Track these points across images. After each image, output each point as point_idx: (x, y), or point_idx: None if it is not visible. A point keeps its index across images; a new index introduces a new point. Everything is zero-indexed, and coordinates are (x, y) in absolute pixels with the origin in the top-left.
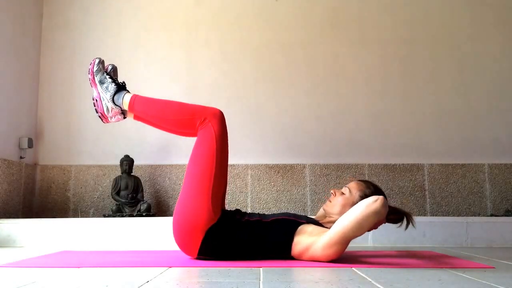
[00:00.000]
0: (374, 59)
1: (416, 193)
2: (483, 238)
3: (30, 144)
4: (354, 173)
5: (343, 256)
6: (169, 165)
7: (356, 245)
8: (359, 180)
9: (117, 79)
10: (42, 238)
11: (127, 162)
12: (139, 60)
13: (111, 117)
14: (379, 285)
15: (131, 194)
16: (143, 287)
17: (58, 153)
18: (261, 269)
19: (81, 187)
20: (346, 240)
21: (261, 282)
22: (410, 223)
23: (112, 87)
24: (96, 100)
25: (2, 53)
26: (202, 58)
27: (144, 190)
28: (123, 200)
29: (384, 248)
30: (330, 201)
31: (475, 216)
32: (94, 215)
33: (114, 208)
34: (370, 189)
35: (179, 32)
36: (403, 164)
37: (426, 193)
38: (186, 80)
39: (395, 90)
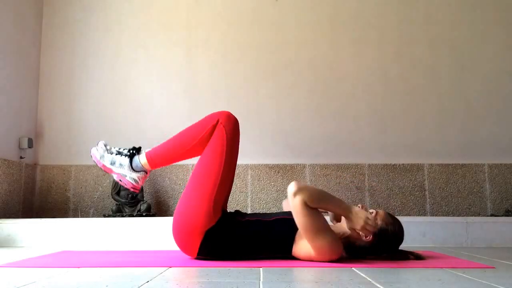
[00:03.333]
0: (374, 59)
1: (416, 193)
2: (483, 238)
3: (30, 144)
4: (354, 173)
5: (343, 256)
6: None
7: None
8: (390, 214)
9: (119, 149)
10: (42, 238)
11: None
12: (139, 60)
13: (142, 184)
14: (379, 285)
15: (131, 194)
16: (143, 287)
17: (58, 153)
18: (261, 269)
19: (81, 187)
20: (319, 235)
21: (261, 282)
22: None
23: (124, 160)
24: (121, 180)
25: (2, 53)
26: (202, 58)
27: (144, 190)
28: (123, 200)
29: None
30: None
31: (475, 216)
32: (94, 215)
33: (114, 208)
34: (394, 227)
35: (179, 32)
36: (403, 164)
37: (426, 193)
38: (186, 80)
39: (395, 90)
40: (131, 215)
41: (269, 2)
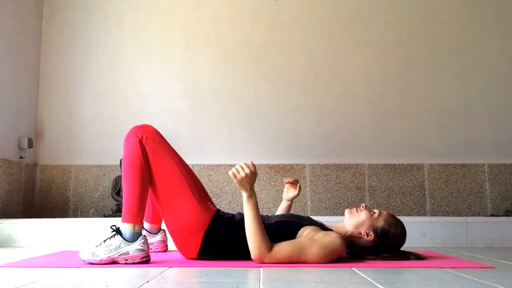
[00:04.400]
0: (374, 59)
1: (416, 193)
2: (483, 238)
3: (30, 144)
4: (354, 173)
5: (343, 256)
6: None
7: None
8: (393, 216)
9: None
10: (42, 238)
11: None
12: (139, 60)
13: (150, 248)
14: (379, 285)
15: None
16: (143, 287)
17: (58, 153)
18: (261, 269)
19: (81, 187)
20: (304, 254)
21: (261, 282)
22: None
23: (116, 240)
24: (127, 260)
25: (2, 53)
26: (202, 58)
27: None
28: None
29: None
30: (357, 211)
31: (475, 216)
32: (94, 215)
33: (114, 208)
34: (397, 228)
35: (179, 32)
36: (403, 164)
37: (426, 193)
38: (186, 80)
39: (395, 90)
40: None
41: (269, 2)
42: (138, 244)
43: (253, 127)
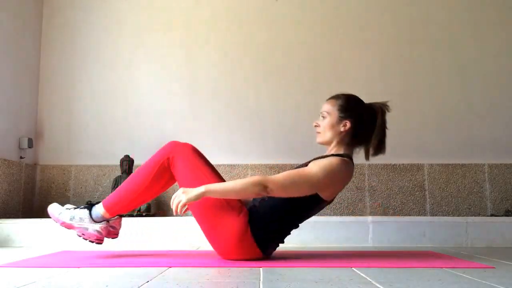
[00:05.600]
0: (374, 59)
1: (416, 193)
2: (483, 238)
3: (30, 144)
4: (354, 173)
5: (343, 256)
6: None
7: (356, 245)
8: (328, 99)
9: (75, 206)
10: (42, 238)
11: (127, 162)
12: (139, 60)
13: (107, 235)
14: (379, 285)
15: None
16: (143, 287)
17: (58, 153)
18: (261, 269)
19: (81, 187)
20: (299, 184)
21: (261, 282)
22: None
23: (83, 213)
24: (83, 234)
25: (2, 53)
26: (202, 58)
27: None
28: None
29: (384, 248)
30: (319, 132)
31: (475, 216)
32: None
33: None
34: (341, 98)
35: (179, 32)
36: (403, 164)
37: (426, 193)
38: (186, 80)
39: (395, 90)
40: (131, 215)
41: (269, 2)
42: (98, 226)
43: (253, 127)
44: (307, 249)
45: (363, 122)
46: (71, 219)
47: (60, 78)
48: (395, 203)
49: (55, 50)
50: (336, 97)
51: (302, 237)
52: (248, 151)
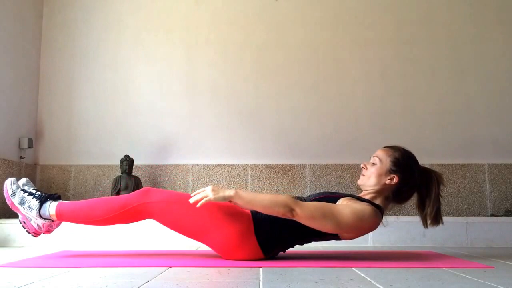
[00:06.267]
0: (374, 59)
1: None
2: (483, 238)
3: (30, 144)
4: (354, 173)
5: (343, 256)
6: (169, 165)
7: (356, 245)
8: (385, 147)
9: (34, 190)
10: (42, 238)
11: (127, 162)
12: (139, 60)
13: (45, 232)
14: (379, 285)
15: None
16: (143, 287)
17: (58, 153)
18: (261, 269)
19: (81, 187)
20: (329, 220)
21: (261, 282)
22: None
23: (34, 203)
24: (24, 222)
25: (2, 53)
26: (202, 58)
27: None
28: None
29: (384, 248)
30: (364, 175)
31: (475, 216)
32: None
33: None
34: (399, 151)
35: (179, 32)
36: None
37: None
38: (186, 80)
39: (395, 90)
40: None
41: (269, 2)
42: (41, 222)
43: (253, 127)
44: (307, 249)
45: (410, 183)
46: (20, 203)
47: (60, 78)
48: None
49: (55, 50)
50: (393, 148)
51: None
52: (248, 151)
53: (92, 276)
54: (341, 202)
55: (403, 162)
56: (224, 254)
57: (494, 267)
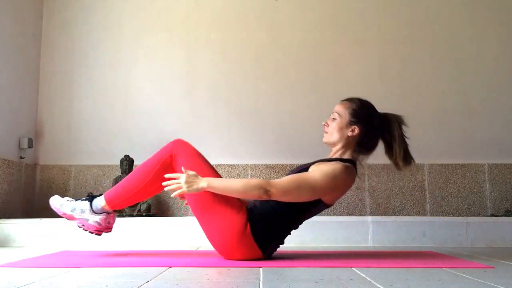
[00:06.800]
0: (374, 59)
1: (416, 193)
2: (483, 238)
3: (30, 144)
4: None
5: (343, 256)
6: None
7: (356, 245)
8: (342, 100)
9: (77, 199)
10: (42, 238)
11: (127, 162)
12: (139, 60)
13: (105, 229)
14: (379, 285)
15: None
16: (143, 287)
17: (58, 153)
18: (261, 269)
19: (81, 187)
20: (301, 189)
21: (261, 282)
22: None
23: (84, 204)
24: (83, 225)
25: (2, 53)
26: (202, 58)
27: None
28: None
29: (384, 248)
30: (327, 132)
31: (475, 216)
32: None
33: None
34: (356, 102)
35: (179, 32)
36: None
37: (426, 193)
38: (186, 80)
39: (395, 90)
40: (131, 215)
41: (269, 2)
42: (98, 218)
43: (253, 127)
44: (307, 249)
45: (372, 131)
46: (72, 210)
47: (60, 78)
48: (395, 203)
49: (55, 50)
50: (350, 100)
51: (302, 237)
52: (248, 151)
53: (92, 276)
54: (312, 168)
55: (360, 112)
56: (223, 252)
57: (494, 267)
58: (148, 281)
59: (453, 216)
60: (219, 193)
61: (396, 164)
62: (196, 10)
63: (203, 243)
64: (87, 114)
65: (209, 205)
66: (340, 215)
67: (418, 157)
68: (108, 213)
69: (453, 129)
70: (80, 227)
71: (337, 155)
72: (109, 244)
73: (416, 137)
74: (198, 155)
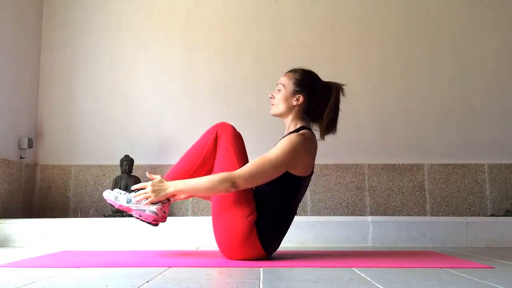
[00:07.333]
0: (374, 59)
1: (416, 193)
2: (483, 238)
3: (30, 144)
4: (354, 173)
5: (343, 256)
6: (169, 165)
7: (356, 245)
8: (286, 72)
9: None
10: (42, 238)
11: (127, 162)
12: (139, 60)
13: (161, 219)
14: (379, 285)
15: None
16: (143, 287)
17: (58, 153)
18: (261, 269)
19: (81, 187)
20: (263, 169)
21: (261, 282)
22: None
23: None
24: (140, 215)
25: (2, 53)
26: (202, 58)
27: None
28: None
29: (384, 248)
30: (273, 104)
31: (475, 216)
32: (94, 215)
33: (114, 208)
34: (298, 72)
35: (179, 32)
36: (403, 164)
37: (426, 193)
38: (186, 80)
39: (395, 90)
40: (131, 215)
41: (269, 2)
42: (155, 208)
43: (253, 127)
44: (307, 249)
45: (316, 98)
46: (128, 202)
47: (60, 78)
48: (395, 203)
49: (55, 50)
50: (293, 71)
51: (301, 237)
52: (248, 151)
53: (92, 276)
54: (270, 150)
55: (303, 81)
56: (226, 251)
57: (494, 267)
58: (148, 281)
59: (453, 216)
60: (187, 194)
61: (321, 130)
62: (196, 10)
63: (203, 243)
64: (87, 114)
65: (224, 202)
66: (340, 215)
67: (418, 157)
68: (163, 202)
69: (453, 129)
70: (137, 218)
71: (290, 129)
72: (109, 244)
73: (416, 137)
74: (238, 139)
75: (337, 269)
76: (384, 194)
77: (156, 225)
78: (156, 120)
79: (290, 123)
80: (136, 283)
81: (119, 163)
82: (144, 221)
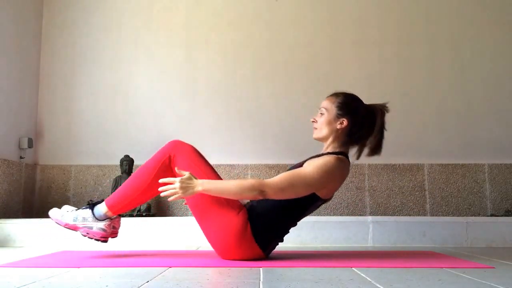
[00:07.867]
0: (374, 59)
1: (416, 193)
2: (483, 238)
3: (30, 144)
4: (354, 173)
5: (343, 256)
6: None
7: (356, 245)
8: (328, 96)
9: (77, 208)
10: (42, 238)
11: (127, 162)
12: (139, 60)
13: (111, 235)
14: (379, 285)
15: None
16: (143, 287)
17: (58, 153)
18: (261, 269)
19: (81, 187)
20: (295, 184)
21: (261, 282)
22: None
23: (86, 212)
24: (87, 233)
25: (2, 53)
26: (202, 58)
27: None
28: None
29: (384, 248)
30: (316, 128)
31: (475, 216)
32: None
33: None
34: (341, 95)
35: (179, 32)
36: (403, 164)
37: (426, 193)
38: (186, 80)
39: (395, 90)
40: (131, 215)
41: (269, 2)
42: (102, 224)
43: (253, 127)
44: (307, 249)
45: (360, 122)
46: (74, 220)
47: (60, 78)
48: (395, 203)
49: (55, 50)
50: (335, 95)
51: (301, 237)
52: (248, 151)
53: (92, 276)
54: (305, 165)
55: (346, 104)
56: (223, 253)
57: (494, 267)
58: (148, 281)
59: (453, 216)
60: (215, 195)
61: (359, 151)
62: (196, 10)
63: (203, 243)
64: (87, 114)
65: (209, 206)
66: (340, 215)
67: (418, 157)
68: (111, 218)
69: (453, 129)
70: (85, 236)
71: (328, 150)
72: (109, 244)
73: (416, 137)
74: (197, 155)
75: (337, 269)
76: (384, 194)
77: (105, 241)
78: (156, 120)
79: (329, 144)
80: (136, 283)
81: (119, 163)
82: (91, 238)
